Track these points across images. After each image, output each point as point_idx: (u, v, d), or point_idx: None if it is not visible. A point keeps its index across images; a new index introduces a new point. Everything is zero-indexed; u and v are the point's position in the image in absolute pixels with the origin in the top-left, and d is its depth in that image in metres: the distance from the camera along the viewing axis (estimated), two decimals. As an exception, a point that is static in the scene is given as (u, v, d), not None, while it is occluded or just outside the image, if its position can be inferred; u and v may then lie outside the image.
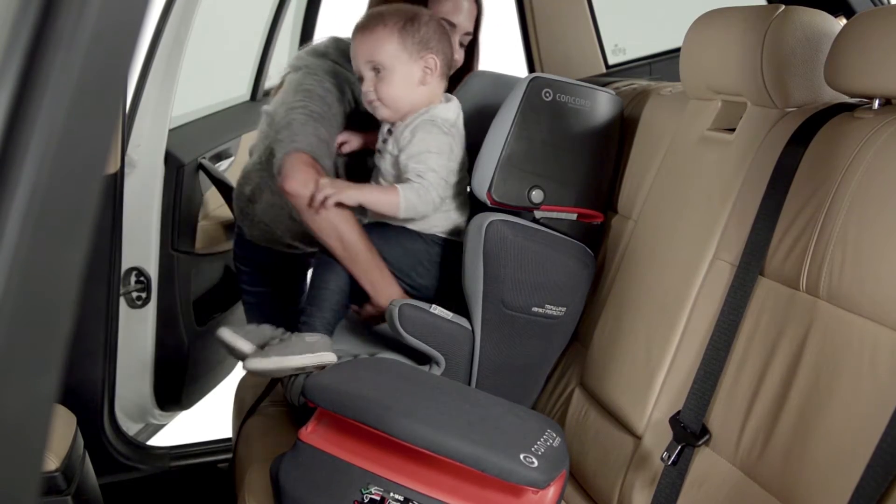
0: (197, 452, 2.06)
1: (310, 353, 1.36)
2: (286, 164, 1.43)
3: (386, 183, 1.47)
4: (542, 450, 1.08)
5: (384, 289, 1.45)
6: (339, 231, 1.42)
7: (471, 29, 1.66)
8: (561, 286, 1.44)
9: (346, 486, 1.08)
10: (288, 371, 1.37)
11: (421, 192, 1.40)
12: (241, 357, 1.39)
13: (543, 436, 1.12)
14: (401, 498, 1.06)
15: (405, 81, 1.43)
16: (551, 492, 1.08)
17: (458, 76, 1.68)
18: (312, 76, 1.54)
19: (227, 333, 1.41)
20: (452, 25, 1.60)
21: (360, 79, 1.47)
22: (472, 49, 1.72)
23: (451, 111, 1.47)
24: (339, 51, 1.59)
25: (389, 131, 1.48)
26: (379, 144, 1.51)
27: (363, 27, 1.45)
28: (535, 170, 1.43)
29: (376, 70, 1.42)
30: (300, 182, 1.40)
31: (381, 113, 1.45)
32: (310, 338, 1.39)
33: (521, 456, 1.04)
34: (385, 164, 1.47)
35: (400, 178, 1.43)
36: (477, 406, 1.16)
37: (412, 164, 1.41)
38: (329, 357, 1.37)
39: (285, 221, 1.80)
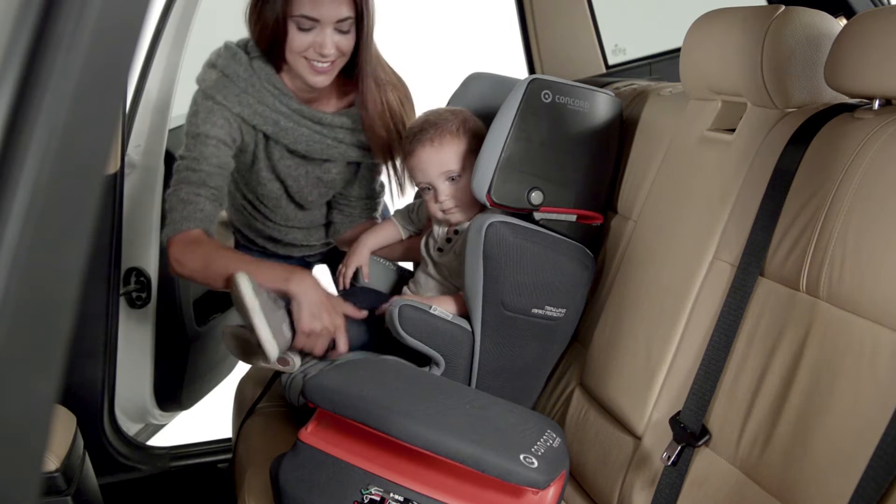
0: (197, 452, 2.06)
1: (271, 332, 1.35)
2: (172, 250, 1.48)
3: (443, 279, 1.53)
4: (542, 450, 1.08)
5: (265, 270, 1.43)
6: (211, 270, 1.44)
7: (346, 15, 1.49)
8: (561, 287, 1.44)
9: (345, 487, 1.08)
10: (249, 320, 1.35)
11: None
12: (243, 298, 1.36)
13: (543, 436, 1.12)
14: (401, 498, 1.06)
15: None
16: (551, 492, 1.08)
17: (352, 64, 1.58)
18: (205, 125, 1.53)
19: (242, 279, 1.36)
20: (315, 21, 1.47)
21: (427, 189, 1.49)
22: (360, 30, 1.54)
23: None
24: (228, 72, 1.56)
25: (455, 231, 1.52)
26: (441, 244, 1.54)
27: (428, 140, 1.46)
28: (534, 171, 1.43)
29: (451, 179, 1.47)
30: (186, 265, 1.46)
31: (459, 218, 1.50)
32: (285, 326, 1.39)
33: (521, 456, 1.04)
34: (449, 260, 1.51)
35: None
36: (476, 406, 1.16)
37: None
38: (271, 350, 1.36)
39: (251, 223, 1.84)
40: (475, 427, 1.08)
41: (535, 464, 1.03)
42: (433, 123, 1.48)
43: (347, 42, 1.52)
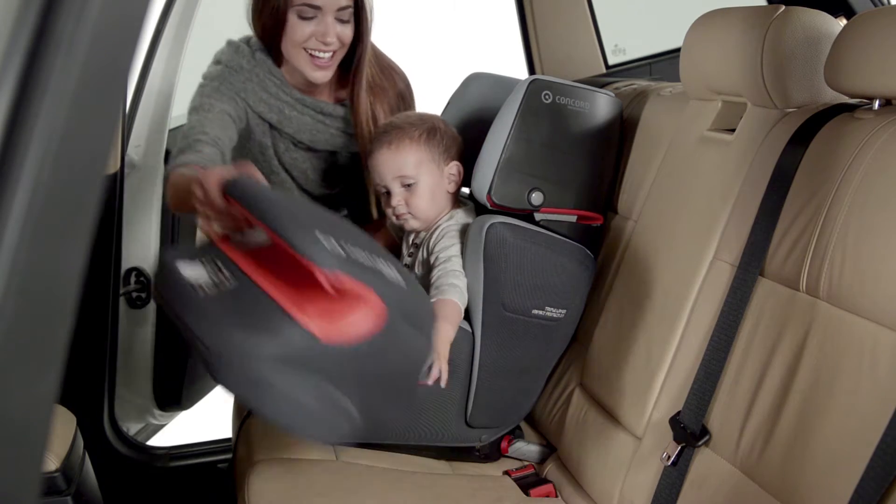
0: (197, 452, 2.06)
1: None
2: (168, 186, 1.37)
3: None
4: (361, 257, 0.89)
5: None
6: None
7: (344, 3, 1.51)
8: (561, 288, 1.44)
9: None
10: None
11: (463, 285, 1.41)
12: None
13: (381, 256, 0.92)
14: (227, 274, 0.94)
15: (434, 191, 1.46)
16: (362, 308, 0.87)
17: (352, 52, 1.59)
18: (208, 103, 1.52)
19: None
20: (317, 8, 1.48)
21: (386, 193, 1.48)
22: (359, 21, 1.56)
23: (471, 216, 1.48)
24: (232, 65, 1.58)
25: (415, 244, 1.51)
26: (405, 259, 1.53)
27: (386, 142, 1.45)
28: (534, 172, 1.43)
29: (406, 185, 1.45)
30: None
31: (412, 225, 1.48)
32: None
33: (317, 232, 0.87)
34: (416, 273, 1.49)
35: (429, 276, 1.44)
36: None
37: (447, 266, 1.41)
38: None
39: None
40: (320, 222, 0.93)
41: (334, 248, 0.85)
42: (396, 126, 1.47)
43: (348, 32, 1.54)
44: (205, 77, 1.61)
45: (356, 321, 0.87)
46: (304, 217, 0.94)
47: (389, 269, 0.93)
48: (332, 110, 1.67)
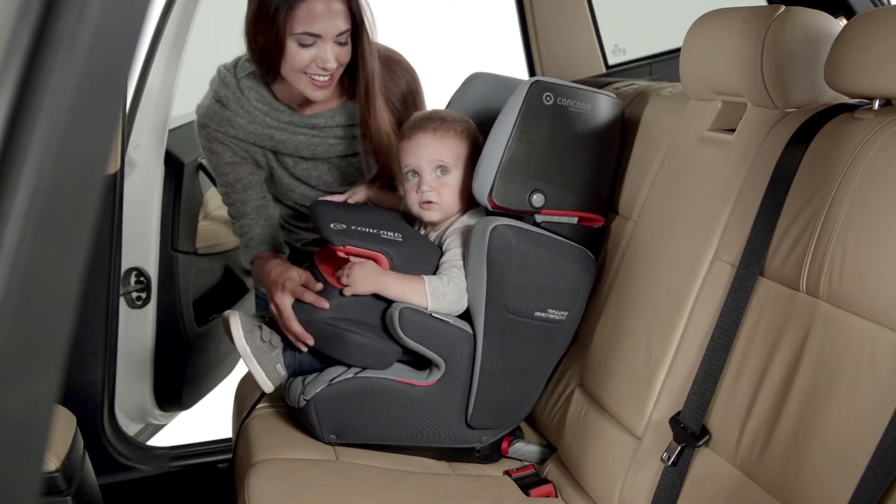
0: (197, 452, 2.06)
1: (263, 372, 1.42)
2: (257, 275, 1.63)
3: None
4: (365, 231, 1.40)
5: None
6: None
7: (344, 28, 1.51)
8: (563, 290, 1.44)
9: None
10: (242, 354, 1.43)
11: (452, 280, 1.41)
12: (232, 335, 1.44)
13: (385, 227, 1.43)
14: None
15: (463, 188, 1.47)
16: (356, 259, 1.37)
17: (352, 73, 1.60)
18: (213, 156, 1.66)
19: (234, 321, 1.43)
20: (317, 36, 1.49)
21: (410, 175, 1.47)
22: (357, 43, 1.56)
23: (477, 217, 1.48)
24: (220, 98, 1.63)
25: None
26: None
27: (431, 128, 1.46)
28: (536, 174, 1.43)
29: (441, 170, 1.45)
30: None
31: (432, 216, 1.48)
32: (279, 366, 1.44)
33: (331, 223, 1.38)
34: None
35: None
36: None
37: (445, 266, 1.43)
38: (266, 386, 1.43)
39: (300, 236, 1.87)
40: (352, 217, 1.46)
41: (344, 230, 1.39)
42: (441, 117, 1.49)
43: (346, 53, 1.54)
44: (196, 110, 1.66)
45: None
46: (329, 216, 1.42)
47: (388, 234, 1.42)
48: (326, 122, 1.66)
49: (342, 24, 1.50)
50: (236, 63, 1.64)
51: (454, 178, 1.46)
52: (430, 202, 1.46)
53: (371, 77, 1.60)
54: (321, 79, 1.53)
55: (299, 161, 1.69)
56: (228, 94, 1.61)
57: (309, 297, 1.39)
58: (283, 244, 1.70)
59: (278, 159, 1.69)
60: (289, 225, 1.84)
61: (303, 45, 1.50)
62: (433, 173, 1.45)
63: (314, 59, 1.51)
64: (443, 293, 1.39)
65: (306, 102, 1.64)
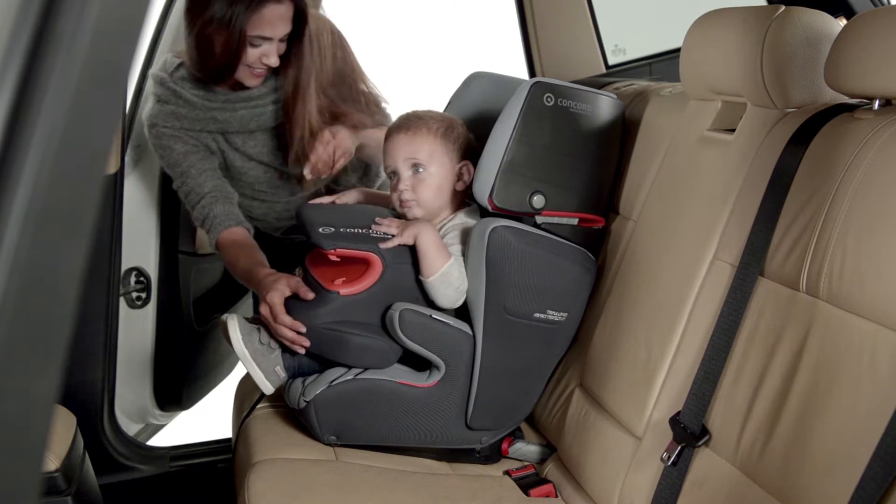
0: (197, 452, 2.06)
1: (262, 374, 1.43)
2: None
3: None
4: (353, 232, 1.39)
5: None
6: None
7: (288, 30, 1.65)
8: (563, 292, 1.44)
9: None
10: (241, 357, 1.44)
11: (461, 273, 1.41)
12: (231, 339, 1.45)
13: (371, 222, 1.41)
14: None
15: (442, 184, 1.47)
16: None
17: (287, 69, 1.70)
18: (166, 151, 1.72)
19: (232, 324, 1.44)
20: (268, 39, 1.62)
21: (391, 176, 1.50)
22: (296, 43, 1.69)
23: (474, 218, 1.49)
24: (163, 99, 1.71)
25: None
26: None
27: (404, 127, 1.49)
28: (536, 175, 1.43)
29: (416, 167, 1.46)
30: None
31: (415, 213, 1.48)
32: (279, 368, 1.44)
33: (320, 228, 1.37)
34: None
35: None
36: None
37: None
38: (266, 388, 1.43)
39: (267, 219, 1.92)
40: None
41: (333, 233, 1.37)
42: (418, 116, 1.51)
43: (283, 47, 1.68)
44: (147, 119, 1.74)
45: (362, 275, 1.40)
46: (316, 221, 1.41)
47: (377, 232, 1.41)
48: (258, 91, 1.74)
49: (288, 27, 1.65)
50: (163, 64, 1.75)
51: (430, 175, 1.46)
52: (407, 201, 1.47)
53: (302, 75, 1.71)
54: (260, 70, 1.66)
55: (247, 139, 1.76)
56: (166, 92, 1.71)
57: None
58: (245, 221, 1.73)
59: (228, 140, 1.76)
60: (256, 217, 1.88)
61: (253, 45, 1.62)
62: (408, 171, 1.47)
63: (260, 55, 1.63)
64: (451, 282, 1.40)
65: (237, 83, 1.71)
